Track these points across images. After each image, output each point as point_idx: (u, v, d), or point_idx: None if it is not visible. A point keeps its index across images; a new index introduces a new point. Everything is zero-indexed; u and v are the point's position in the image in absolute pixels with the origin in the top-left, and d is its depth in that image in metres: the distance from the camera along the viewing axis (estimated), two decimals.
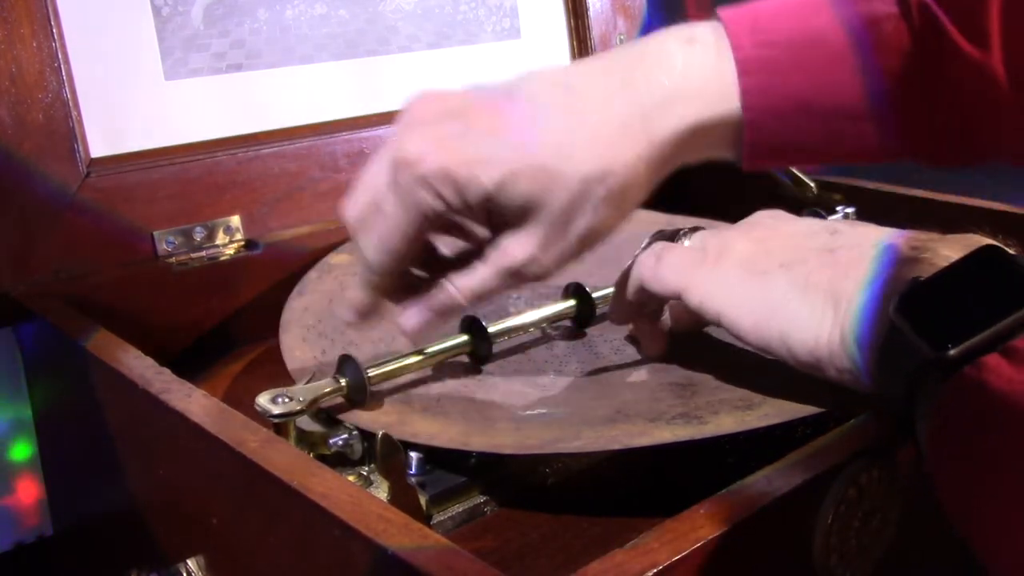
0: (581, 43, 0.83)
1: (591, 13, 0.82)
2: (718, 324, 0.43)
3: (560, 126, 0.41)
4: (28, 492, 0.73)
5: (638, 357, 0.51)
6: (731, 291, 0.42)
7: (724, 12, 0.43)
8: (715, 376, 0.48)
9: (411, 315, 0.45)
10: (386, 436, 0.40)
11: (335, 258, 0.65)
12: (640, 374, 0.49)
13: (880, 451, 0.37)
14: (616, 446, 0.41)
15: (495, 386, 0.49)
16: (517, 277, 0.43)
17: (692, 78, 0.42)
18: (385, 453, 0.40)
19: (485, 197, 0.41)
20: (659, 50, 0.42)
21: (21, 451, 0.73)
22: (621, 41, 0.84)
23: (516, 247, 0.42)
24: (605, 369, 0.50)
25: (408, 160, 0.41)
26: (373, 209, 0.43)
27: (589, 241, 0.43)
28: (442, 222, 0.43)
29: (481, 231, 0.44)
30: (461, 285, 0.44)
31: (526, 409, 0.46)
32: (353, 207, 0.45)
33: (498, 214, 0.42)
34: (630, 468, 0.46)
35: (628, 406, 0.45)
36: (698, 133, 0.42)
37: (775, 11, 0.43)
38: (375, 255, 0.44)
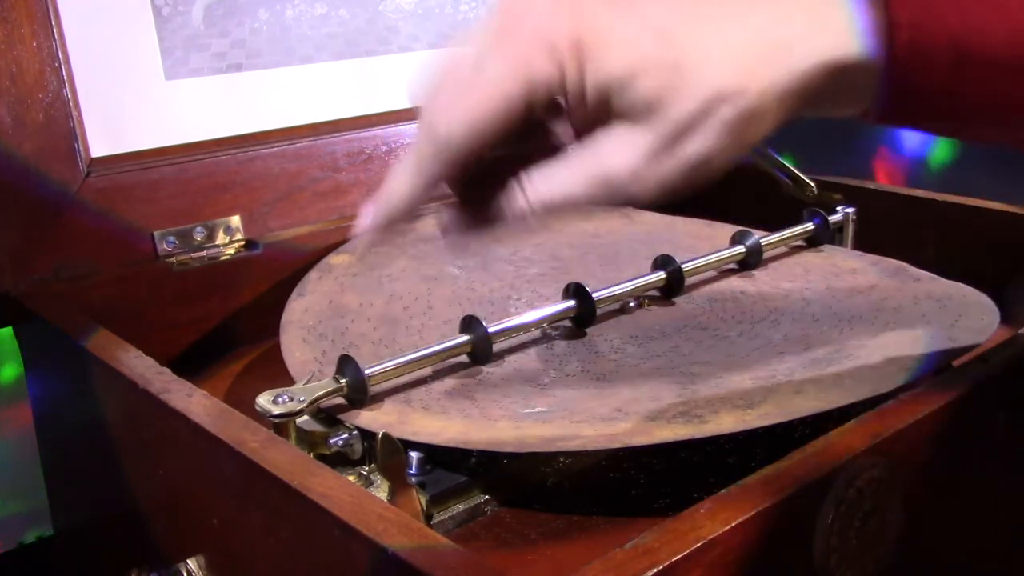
0: None
1: None
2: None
3: (702, 31, 0.36)
4: None
5: (638, 356, 0.52)
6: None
7: None
8: (715, 375, 0.48)
9: (459, 221, 0.38)
10: (386, 436, 0.40)
11: (335, 259, 0.65)
12: (640, 373, 0.49)
13: (880, 451, 0.37)
14: (616, 445, 0.41)
15: (495, 386, 0.49)
16: (607, 190, 0.37)
17: (839, 7, 0.37)
18: (385, 453, 0.40)
19: (606, 83, 0.35)
20: None
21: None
22: None
23: (618, 152, 0.36)
24: (605, 368, 0.50)
25: (533, 16, 0.35)
26: (466, 73, 0.36)
27: (696, 169, 0.37)
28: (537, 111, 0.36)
29: (573, 129, 0.38)
30: (536, 191, 0.37)
31: (526, 408, 0.46)
32: (434, 75, 0.38)
33: (605, 109, 0.36)
34: (630, 468, 0.46)
35: (628, 405, 0.45)
36: (838, 69, 0.37)
37: None
38: (452, 125, 0.36)
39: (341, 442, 0.44)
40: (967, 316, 0.52)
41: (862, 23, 0.37)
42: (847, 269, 0.62)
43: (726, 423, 0.41)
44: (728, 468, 0.45)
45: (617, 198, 0.37)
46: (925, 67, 0.37)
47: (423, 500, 0.42)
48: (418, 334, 0.55)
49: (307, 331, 0.55)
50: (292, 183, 0.67)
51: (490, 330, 0.51)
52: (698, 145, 0.36)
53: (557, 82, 0.35)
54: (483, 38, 0.37)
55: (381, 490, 0.43)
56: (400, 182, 0.38)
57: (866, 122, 0.40)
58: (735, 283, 0.61)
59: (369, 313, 0.57)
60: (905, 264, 0.61)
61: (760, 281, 0.61)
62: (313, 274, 0.62)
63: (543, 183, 0.37)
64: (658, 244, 0.65)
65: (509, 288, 0.61)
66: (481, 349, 0.51)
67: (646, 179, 0.37)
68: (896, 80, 0.38)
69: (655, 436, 0.41)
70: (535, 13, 0.35)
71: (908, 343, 0.49)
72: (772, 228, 0.65)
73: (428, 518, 0.42)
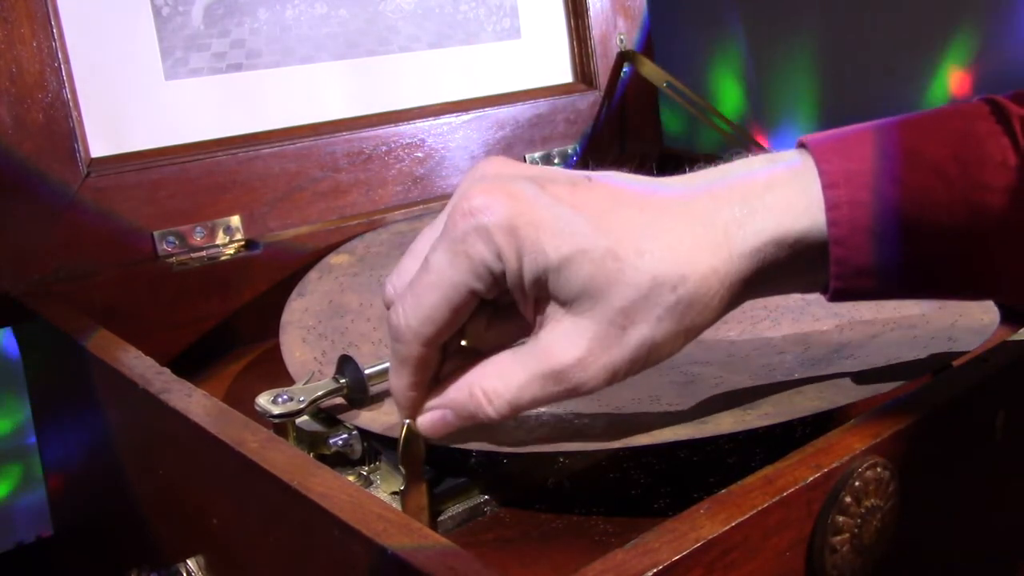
0: (581, 43, 0.83)
1: (591, 13, 0.82)
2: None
3: (639, 220, 0.37)
4: None
5: None
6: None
7: (806, 136, 0.40)
8: (715, 375, 0.48)
9: (432, 416, 0.39)
10: (410, 426, 0.40)
11: (335, 259, 0.65)
12: (642, 372, 0.49)
13: (880, 451, 0.37)
14: (616, 445, 0.41)
15: None
16: (559, 384, 0.37)
17: (776, 190, 0.38)
18: (407, 443, 0.40)
19: (544, 271, 0.36)
20: (742, 167, 0.39)
21: None
22: (621, 41, 0.84)
23: (564, 345, 0.36)
24: None
25: (473, 208, 0.36)
26: (417, 268, 0.38)
27: (642, 358, 0.37)
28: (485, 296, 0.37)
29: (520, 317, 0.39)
30: (490, 390, 0.37)
31: None
32: (397, 277, 0.40)
33: (545, 299, 0.37)
34: (630, 468, 0.46)
35: (628, 405, 0.45)
36: (781, 249, 0.38)
37: (861, 132, 0.39)
38: (407, 319, 0.37)
39: (341, 442, 0.44)
40: (967, 316, 0.52)
41: (801, 203, 0.38)
42: None
43: (726, 423, 0.41)
44: (728, 468, 0.45)
45: (567, 394, 0.37)
46: (869, 243, 0.38)
47: (430, 496, 0.42)
48: None
49: (307, 331, 0.55)
50: (292, 183, 0.67)
51: None
52: (642, 332, 0.36)
53: (498, 269, 0.36)
54: (432, 232, 0.38)
55: (381, 490, 0.43)
56: (396, 383, 0.39)
57: (828, 300, 0.40)
58: None
59: (369, 313, 0.57)
60: None
61: None
62: (313, 274, 0.62)
63: (499, 381, 0.37)
64: None
65: None
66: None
67: (595, 369, 0.37)
68: (843, 258, 0.38)
69: (656, 436, 0.41)
70: (474, 202, 0.36)
71: (908, 343, 0.49)
72: None
73: (435, 514, 0.42)
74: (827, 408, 0.42)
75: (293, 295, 0.59)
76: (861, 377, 0.45)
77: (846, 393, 0.43)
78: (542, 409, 0.46)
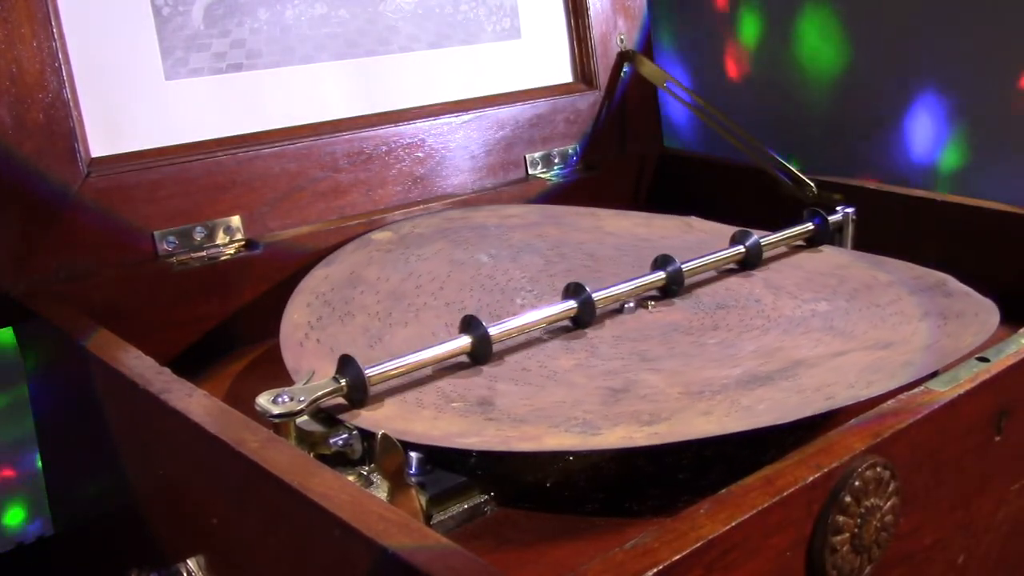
0: (581, 43, 0.83)
1: (591, 13, 0.82)
2: None
3: None
4: None
5: (604, 357, 0.51)
6: None
7: None
8: (652, 384, 0.47)
9: None
10: (385, 436, 0.40)
11: (377, 234, 0.65)
12: (589, 376, 0.49)
13: (880, 451, 0.37)
14: (502, 448, 0.41)
15: (491, 385, 0.49)
16: None
17: None
18: (384, 453, 0.40)
19: None
20: None
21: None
22: (621, 41, 0.84)
23: None
24: (563, 368, 0.50)
25: None
26: None
27: None
28: None
29: None
30: None
31: (465, 403, 0.46)
32: None
33: None
34: (630, 468, 0.46)
35: (549, 408, 0.45)
36: None
37: None
38: None
39: (341, 442, 0.44)
40: (967, 316, 0.52)
41: None
42: (884, 282, 0.59)
43: (613, 438, 0.41)
44: (728, 469, 0.45)
45: None
46: None
47: (422, 500, 0.42)
48: (415, 312, 0.55)
49: (315, 296, 0.56)
50: (292, 183, 0.67)
51: (490, 331, 0.51)
52: None
53: None
54: None
55: (381, 490, 0.43)
56: None
57: None
58: (757, 290, 0.60)
59: (380, 287, 0.58)
60: (948, 278, 0.58)
61: (784, 290, 0.60)
62: (349, 246, 0.63)
63: None
64: (707, 252, 0.62)
65: (529, 281, 0.61)
66: (481, 349, 0.51)
67: None
68: None
69: (541, 444, 0.41)
70: None
71: (860, 367, 0.47)
72: (772, 228, 0.65)
73: (428, 518, 0.42)
74: (719, 433, 0.41)
75: (320, 264, 0.60)
76: (777, 402, 0.44)
77: (749, 420, 0.42)
78: (457, 404, 0.46)
